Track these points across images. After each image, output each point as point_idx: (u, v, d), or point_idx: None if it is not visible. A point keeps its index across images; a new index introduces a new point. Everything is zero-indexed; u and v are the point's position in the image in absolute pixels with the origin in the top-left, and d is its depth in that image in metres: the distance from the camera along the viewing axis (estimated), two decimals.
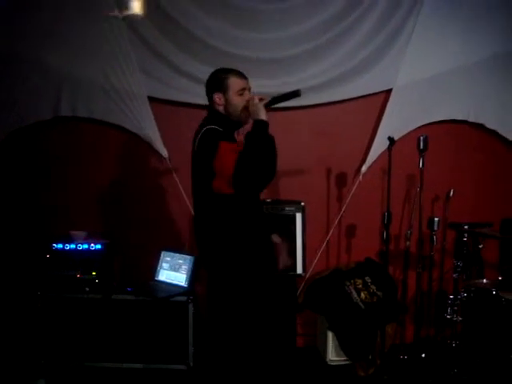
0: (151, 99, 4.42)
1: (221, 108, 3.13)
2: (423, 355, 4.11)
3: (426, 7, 4.50)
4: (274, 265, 3.38)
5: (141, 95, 4.39)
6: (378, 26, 4.53)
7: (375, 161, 4.62)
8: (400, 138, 4.37)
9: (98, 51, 4.32)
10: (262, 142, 2.95)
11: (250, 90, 3.17)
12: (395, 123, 4.55)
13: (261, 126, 2.96)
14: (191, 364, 4.01)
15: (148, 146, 4.49)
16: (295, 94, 3.03)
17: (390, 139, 3.99)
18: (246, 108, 3.07)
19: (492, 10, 4.61)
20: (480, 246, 4.26)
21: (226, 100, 3.10)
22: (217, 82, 3.13)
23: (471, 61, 4.62)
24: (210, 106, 3.19)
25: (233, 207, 3.04)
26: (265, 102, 3.03)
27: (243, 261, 3.09)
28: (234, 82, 3.09)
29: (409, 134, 4.58)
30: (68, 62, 4.32)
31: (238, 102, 3.09)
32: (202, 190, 3.10)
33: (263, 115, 2.98)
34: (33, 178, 4.54)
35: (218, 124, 3.05)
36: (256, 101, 3.03)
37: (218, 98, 3.11)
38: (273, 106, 3.11)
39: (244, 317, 3.17)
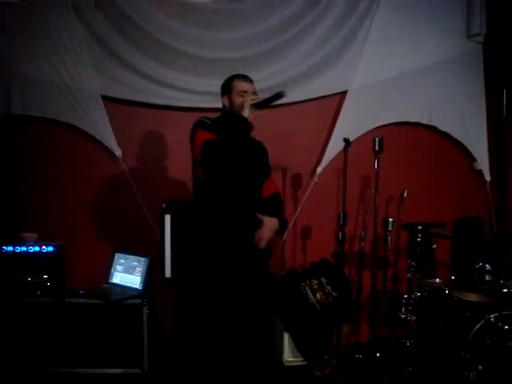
0: (105, 98, 4.35)
1: (227, 109, 3.37)
2: (378, 354, 4.15)
3: (381, 10, 4.59)
4: (248, 256, 3.32)
5: (94, 94, 4.32)
6: (334, 28, 4.59)
7: (330, 162, 4.66)
8: (355, 140, 4.41)
9: (51, 49, 4.23)
10: (234, 133, 3.14)
11: (255, 93, 3.35)
12: (350, 125, 4.60)
13: (238, 121, 3.16)
14: (146, 368, 3.95)
15: (102, 146, 4.42)
16: (280, 95, 3.18)
17: (346, 140, 4.01)
18: (239, 108, 3.25)
19: (447, 12, 4.71)
20: (433, 246, 4.33)
21: (230, 101, 3.35)
22: (224, 85, 3.41)
23: (426, 64, 4.72)
24: (223, 109, 3.42)
25: (210, 195, 3.28)
26: (253, 102, 3.22)
27: (213, 246, 3.28)
28: (237, 84, 3.34)
29: (364, 135, 4.63)
30: (18, 58, 4.22)
31: (238, 101, 3.29)
32: (193, 176, 3.39)
33: (245, 113, 3.17)
34: None
35: (217, 120, 3.31)
36: (246, 100, 3.22)
37: (225, 100, 3.38)
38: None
39: (207, 305, 3.31)
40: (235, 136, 3.15)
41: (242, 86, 3.32)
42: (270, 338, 3.53)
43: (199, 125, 3.26)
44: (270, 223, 3.32)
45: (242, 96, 3.29)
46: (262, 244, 3.27)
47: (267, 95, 3.24)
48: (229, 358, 3.36)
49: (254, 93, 3.34)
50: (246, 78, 3.37)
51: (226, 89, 3.38)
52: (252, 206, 3.35)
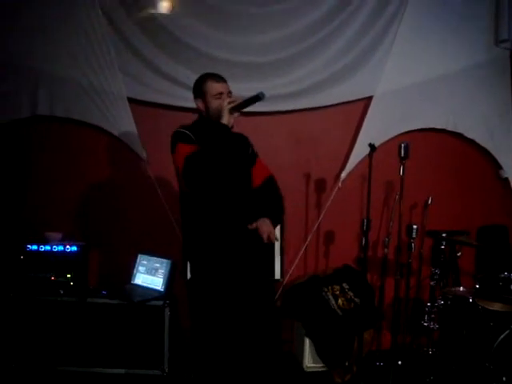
0: (131, 100, 4.38)
1: (204, 113, 3.20)
2: (399, 362, 4.10)
3: (407, 15, 4.55)
4: (236, 266, 3.18)
5: (120, 96, 4.34)
6: (361, 33, 4.57)
7: (355, 167, 4.64)
8: (380, 145, 4.37)
9: (78, 50, 4.27)
10: (214, 143, 2.97)
11: (229, 93, 3.17)
12: (375, 130, 4.57)
13: (219, 129, 3.00)
14: (166, 370, 3.96)
15: (126, 148, 4.44)
16: (258, 97, 3.02)
17: (371, 146, 3.98)
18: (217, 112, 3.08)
19: (475, 18, 4.67)
20: (458, 254, 4.30)
21: (206, 104, 3.16)
22: (196, 88, 3.22)
23: (451, 70, 4.68)
24: (199, 113, 3.26)
25: (195, 207, 3.17)
26: (231, 105, 3.04)
27: (201, 258, 3.19)
28: (211, 87, 3.15)
29: (389, 141, 4.60)
30: (47, 60, 4.26)
31: (215, 105, 3.12)
32: (179, 189, 3.26)
33: (224, 119, 3.00)
34: (8, 176, 4.45)
35: (194, 127, 3.16)
36: (225, 104, 3.05)
37: (200, 103, 3.19)
38: (244, 110, 3.13)
39: (206, 317, 3.21)
40: (218, 147, 2.97)
41: (216, 87, 3.14)
42: (275, 339, 3.44)
43: (178, 137, 3.11)
44: (263, 225, 3.16)
45: (218, 98, 3.11)
46: (265, 237, 3.13)
47: (247, 97, 3.07)
48: (234, 359, 3.28)
49: (229, 92, 3.17)
50: (219, 78, 3.18)
51: (199, 91, 3.19)
52: (242, 209, 3.21)
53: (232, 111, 3.04)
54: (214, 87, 3.14)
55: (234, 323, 3.18)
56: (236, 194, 3.21)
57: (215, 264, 3.16)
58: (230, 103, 3.04)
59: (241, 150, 3.32)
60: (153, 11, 4.29)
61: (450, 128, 4.78)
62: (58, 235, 4.26)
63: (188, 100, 4.37)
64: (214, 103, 3.12)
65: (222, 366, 3.24)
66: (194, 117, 4.41)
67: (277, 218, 3.35)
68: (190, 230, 3.24)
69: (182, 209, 3.30)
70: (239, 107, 3.07)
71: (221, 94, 3.13)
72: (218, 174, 3.02)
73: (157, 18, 4.29)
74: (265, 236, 3.12)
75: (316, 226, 4.72)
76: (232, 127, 3.07)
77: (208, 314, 3.19)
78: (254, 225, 3.15)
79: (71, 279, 4.10)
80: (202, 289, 3.21)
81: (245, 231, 3.16)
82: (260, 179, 3.40)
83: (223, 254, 3.16)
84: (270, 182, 3.46)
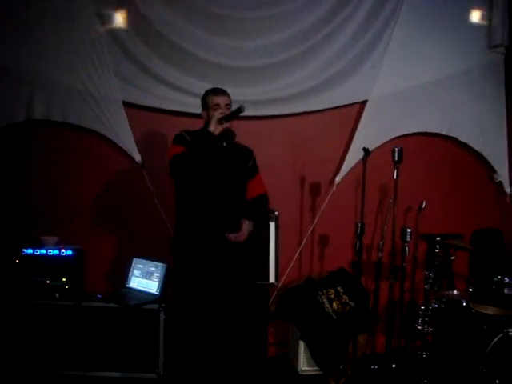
0: (126, 104, 4.38)
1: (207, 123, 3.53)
2: (394, 365, 4.12)
3: (402, 20, 4.58)
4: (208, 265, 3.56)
5: (116, 100, 4.34)
6: (355, 38, 4.59)
7: (349, 171, 4.66)
8: (374, 149, 4.39)
9: (73, 55, 4.26)
10: (198, 146, 3.38)
11: (228, 105, 3.54)
12: (370, 134, 4.59)
13: (203, 135, 3.41)
14: (161, 373, 3.96)
15: (122, 152, 4.45)
16: (239, 110, 3.40)
17: (365, 150, 4.00)
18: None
19: (468, 23, 4.70)
20: (451, 258, 4.31)
21: (208, 115, 3.53)
22: (203, 101, 3.61)
23: (446, 74, 4.71)
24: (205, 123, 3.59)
25: (181, 203, 3.63)
26: (218, 116, 3.42)
27: (181, 254, 3.63)
28: (211, 99, 3.54)
29: (383, 145, 4.62)
30: (43, 64, 4.26)
31: (211, 116, 3.48)
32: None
33: (211, 127, 3.39)
34: (4, 180, 4.45)
35: (194, 133, 3.53)
36: (216, 114, 3.43)
37: (204, 114, 3.59)
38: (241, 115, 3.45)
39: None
40: (199, 149, 3.36)
41: (214, 100, 3.51)
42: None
43: (174, 139, 3.55)
44: (246, 228, 3.65)
45: (214, 110, 3.47)
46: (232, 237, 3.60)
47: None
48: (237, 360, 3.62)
49: (227, 104, 3.52)
50: (217, 92, 3.56)
51: (204, 104, 3.59)
52: (223, 210, 3.57)
53: (220, 121, 3.40)
54: (212, 99, 3.53)
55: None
56: (217, 195, 3.55)
57: (185, 258, 3.60)
58: (220, 114, 3.43)
59: (236, 159, 3.68)
60: (148, 16, 4.28)
61: (444, 132, 4.81)
62: (54, 239, 4.26)
63: (183, 104, 4.43)
64: (211, 114, 3.47)
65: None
66: (188, 120, 4.49)
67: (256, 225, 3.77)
68: (176, 221, 3.70)
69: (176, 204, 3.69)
70: (226, 118, 3.43)
71: (217, 105, 3.49)
72: (198, 173, 3.42)
73: (152, 23, 4.28)
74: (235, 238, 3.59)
75: (311, 230, 4.73)
76: (234, 135, 3.62)
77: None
78: (242, 222, 3.64)
79: (66, 283, 4.10)
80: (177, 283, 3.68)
81: (218, 232, 3.56)
82: (253, 194, 3.80)
83: (193, 251, 3.56)
84: (262, 200, 3.88)
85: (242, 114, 3.41)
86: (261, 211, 3.88)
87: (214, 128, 3.38)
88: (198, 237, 3.54)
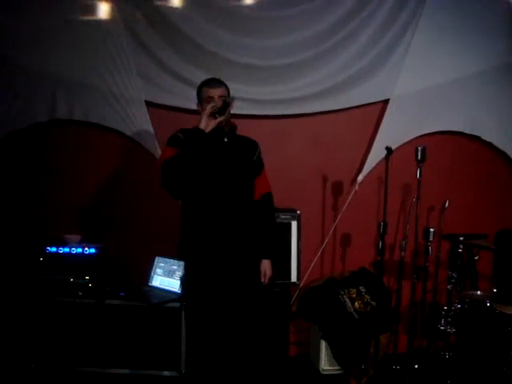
0: (148, 104, 4.41)
1: None
2: (416, 366, 4.09)
3: (424, 19, 4.52)
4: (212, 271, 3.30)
5: (138, 99, 4.37)
6: (376, 37, 4.55)
7: (372, 170, 4.64)
8: (397, 148, 4.36)
9: (96, 54, 4.30)
10: (189, 147, 3.11)
11: (221, 97, 3.26)
12: (393, 133, 4.56)
13: (194, 134, 3.12)
14: (183, 371, 3.98)
15: (144, 151, 4.47)
16: (226, 103, 3.20)
17: (388, 149, 3.98)
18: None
19: (493, 21, 4.64)
20: (475, 258, 4.27)
21: (202, 108, 3.26)
22: (197, 93, 3.38)
23: (468, 73, 4.64)
24: None
25: (184, 209, 3.39)
26: (210, 110, 3.13)
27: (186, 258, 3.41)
28: (204, 92, 3.29)
29: (406, 144, 4.59)
30: (65, 64, 4.30)
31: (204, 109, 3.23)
32: None
33: (201, 124, 3.12)
34: (27, 180, 4.52)
35: (190, 131, 3.20)
36: (207, 107, 3.15)
37: (199, 107, 3.35)
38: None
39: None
40: (191, 151, 3.10)
41: (208, 92, 3.27)
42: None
43: (168, 140, 3.32)
44: (268, 274, 3.47)
45: (208, 102, 3.21)
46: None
47: None
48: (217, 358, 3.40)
49: (221, 96, 3.25)
50: (213, 83, 3.31)
51: (198, 96, 3.37)
52: (231, 212, 3.29)
53: (214, 115, 3.13)
54: (206, 92, 3.28)
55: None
56: (222, 197, 3.27)
57: (191, 263, 3.36)
58: (212, 107, 3.13)
59: (240, 153, 3.40)
60: (170, 16, 4.29)
61: (467, 131, 4.76)
62: (77, 237, 4.31)
63: None
64: (204, 108, 3.21)
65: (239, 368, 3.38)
66: None
67: (272, 250, 3.53)
68: (182, 226, 3.40)
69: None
70: (220, 111, 3.15)
71: (211, 97, 3.24)
72: (192, 177, 3.15)
73: (174, 23, 4.30)
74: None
75: (333, 229, 4.72)
76: (235, 127, 3.39)
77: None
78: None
79: (90, 281, 4.14)
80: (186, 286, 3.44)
81: (227, 237, 3.28)
82: (258, 194, 3.49)
83: (201, 257, 3.29)
84: (268, 201, 3.56)
85: (261, 113, 3.23)
86: (268, 214, 3.54)
87: (206, 124, 3.11)
88: (205, 243, 3.27)
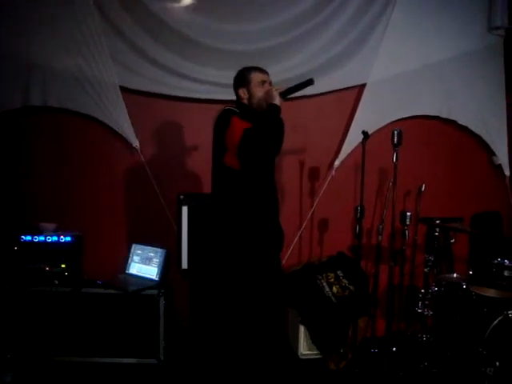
0: (123, 89, 4.35)
1: (245, 101, 3.36)
2: (394, 349, 4.14)
3: (399, 4, 4.54)
4: (277, 249, 3.46)
5: (113, 85, 4.31)
6: (352, 21, 4.55)
7: (348, 155, 4.64)
8: (373, 133, 4.37)
9: (70, 40, 4.23)
10: (270, 121, 3.16)
11: (270, 83, 3.38)
12: (369, 118, 4.57)
13: (272, 109, 3.19)
14: (162, 358, 3.97)
15: (120, 137, 4.43)
16: (309, 82, 3.25)
17: (365, 133, 3.99)
18: (265, 98, 3.27)
19: (468, 5, 4.67)
20: (451, 241, 4.31)
21: (249, 92, 3.34)
22: (241, 78, 3.40)
23: (445, 57, 4.68)
24: (237, 101, 3.40)
25: (241, 184, 3.26)
26: (280, 90, 3.24)
27: (245, 240, 3.28)
28: (255, 76, 3.35)
29: (382, 128, 4.60)
30: (38, 50, 4.22)
31: (259, 93, 3.32)
32: (216, 165, 3.34)
33: (277, 101, 3.20)
34: (1, 168, 4.43)
35: (240, 111, 3.27)
36: (272, 90, 3.24)
37: (242, 92, 3.36)
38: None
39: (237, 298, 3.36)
40: (273, 125, 3.14)
41: (260, 76, 3.35)
42: (282, 329, 3.52)
43: (232, 112, 3.25)
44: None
45: (261, 86, 3.31)
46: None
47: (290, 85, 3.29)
48: (243, 348, 3.42)
49: (270, 83, 3.39)
50: (262, 70, 3.40)
51: (243, 80, 3.37)
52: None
53: (284, 95, 3.25)
54: (258, 76, 3.35)
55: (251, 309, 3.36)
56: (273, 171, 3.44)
57: (253, 246, 3.30)
58: (276, 89, 3.24)
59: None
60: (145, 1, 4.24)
61: (443, 115, 4.79)
62: (52, 226, 4.26)
63: (181, 89, 4.39)
64: (259, 90, 3.31)
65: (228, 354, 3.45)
66: (186, 105, 4.44)
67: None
68: (235, 208, 3.29)
69: (224, 187, 3.34)
70: (288, 92, 3.29)
71: (264, 81, 3.35)
72: (271, 151, 3.18)
73: (148, 6, 4.24)
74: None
75: (310, 214, 4.72)
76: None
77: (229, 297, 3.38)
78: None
79: (65, 269, 4.10)
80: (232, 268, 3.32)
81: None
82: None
83: (262, 234, 3.31)
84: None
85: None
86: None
87: (280, 102, 3.21)
88: (275, 215, 3.42)
